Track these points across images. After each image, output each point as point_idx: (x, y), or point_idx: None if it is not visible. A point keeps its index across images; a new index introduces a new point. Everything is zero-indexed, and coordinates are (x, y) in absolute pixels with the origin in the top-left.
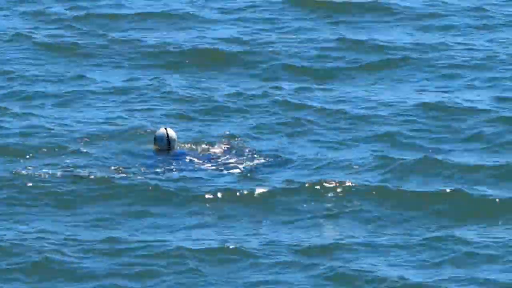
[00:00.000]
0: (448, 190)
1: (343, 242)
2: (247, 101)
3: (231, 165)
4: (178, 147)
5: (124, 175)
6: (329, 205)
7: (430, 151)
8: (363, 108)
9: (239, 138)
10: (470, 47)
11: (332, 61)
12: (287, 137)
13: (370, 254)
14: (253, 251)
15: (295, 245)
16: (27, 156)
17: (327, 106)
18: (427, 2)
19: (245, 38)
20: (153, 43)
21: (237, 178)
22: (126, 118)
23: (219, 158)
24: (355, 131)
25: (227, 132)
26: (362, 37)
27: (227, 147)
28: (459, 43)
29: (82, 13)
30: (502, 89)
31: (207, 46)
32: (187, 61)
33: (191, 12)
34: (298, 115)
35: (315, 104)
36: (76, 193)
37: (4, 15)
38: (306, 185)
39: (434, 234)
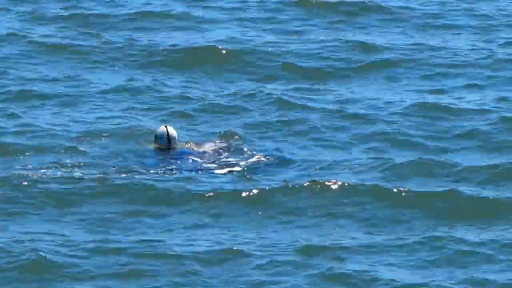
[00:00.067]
0: (447, 190)
1: (342, 242)
2: (247, 100)
3: (231, 164)
4: (178, 147)
5: (123, 175)
6: (328, 205)
7: (430, 151)
8: (362, 108)
9: (239, 138)
10: (470, 47)
11: (331, 61)
12: (286, 136)
13: (370, 254)
14: (253, 251)
15: (294, 245)
16: (25, 156)
17: (326, 106)
18: (426, 3)
19: (245, 38)
20: (151, 42)
21: (236, 178)
22: (124, 118)
23: (218, 158)
24: (355, 131)
25: (227, 132)
26: (361, 37)
27: (226, 147)
28: (458, 43)
29: (79, 12)
30: (501, 89)
31: (206, 45)
32: (185, 60)
33: (189, 12)
34: (298, 115)
35: (314, 104)
36: (75, 193)
37: (1, 15)
38: (305, 185)
39: (433, 234)
